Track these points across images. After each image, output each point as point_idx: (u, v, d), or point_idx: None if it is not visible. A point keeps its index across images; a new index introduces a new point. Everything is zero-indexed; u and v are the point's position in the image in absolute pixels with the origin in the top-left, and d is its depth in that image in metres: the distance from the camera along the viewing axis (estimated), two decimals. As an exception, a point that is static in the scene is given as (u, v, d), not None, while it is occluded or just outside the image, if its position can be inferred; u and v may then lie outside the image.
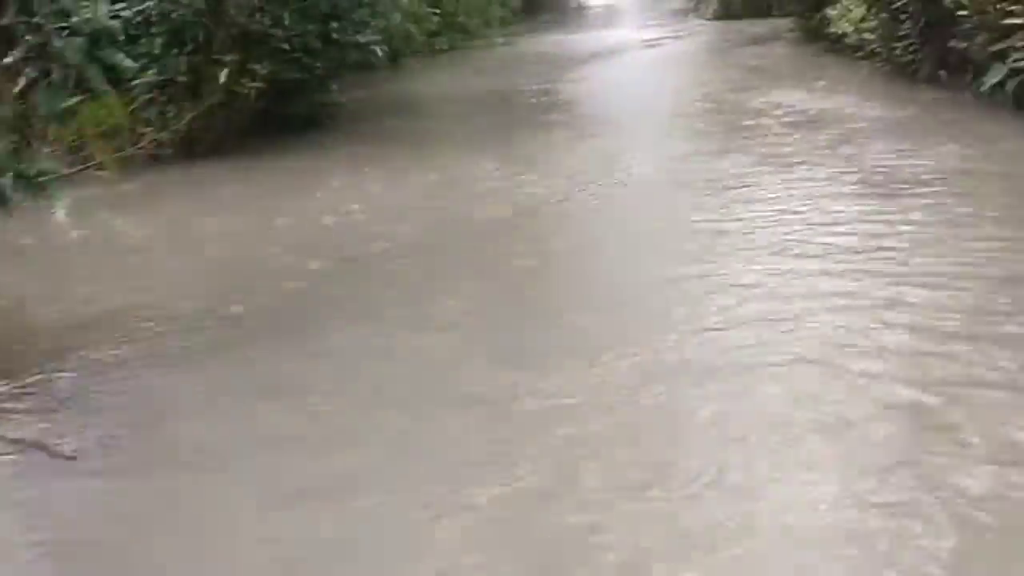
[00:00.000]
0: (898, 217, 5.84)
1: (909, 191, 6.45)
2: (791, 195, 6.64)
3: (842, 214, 6.08)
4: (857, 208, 6.21)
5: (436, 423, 3.82)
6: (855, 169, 7.21)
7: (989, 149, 7.46)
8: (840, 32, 13.58)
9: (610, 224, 6.76)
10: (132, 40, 9.02)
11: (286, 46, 9.76)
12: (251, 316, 5.20)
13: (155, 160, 9.40)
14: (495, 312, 5.13)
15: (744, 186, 7.02)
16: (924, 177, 6.77)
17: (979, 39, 8.84)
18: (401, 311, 5.12)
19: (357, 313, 5.14)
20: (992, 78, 8.57)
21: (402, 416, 3.88)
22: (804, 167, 7.48)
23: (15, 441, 3.90)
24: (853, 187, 6.75)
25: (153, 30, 9.52)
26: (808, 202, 6.41)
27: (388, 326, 4.92)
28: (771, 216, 6.13)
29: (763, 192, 6.80)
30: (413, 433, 3.76)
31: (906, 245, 5.31)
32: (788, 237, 5.64)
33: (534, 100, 12.50)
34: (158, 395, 4.36)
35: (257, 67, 9.47)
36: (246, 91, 9.60)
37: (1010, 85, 8.36)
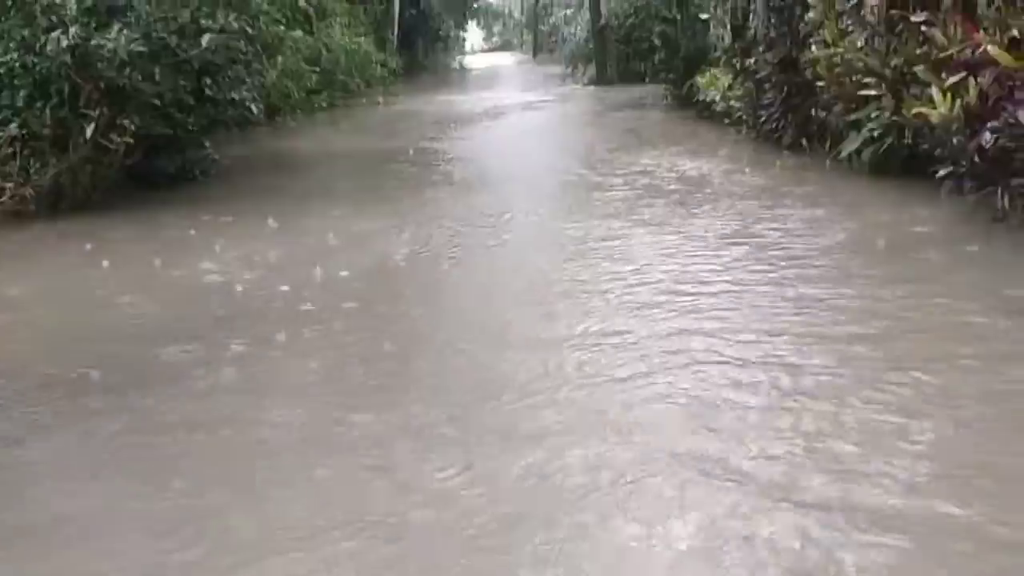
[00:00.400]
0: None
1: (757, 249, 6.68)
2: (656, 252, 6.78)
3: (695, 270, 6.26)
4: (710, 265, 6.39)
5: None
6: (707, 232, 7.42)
7: (842, 210, 7.80)
8: (709, 99, 14.14)
9: (471, 280, 6.76)
10: (-7, 92, 8.79)
11: (157, 101, 9.54)
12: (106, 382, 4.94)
13: (17, 216, 9.05)
14: (354, 368, 5.00)
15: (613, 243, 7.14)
16: (771, 237, 7.04)
17: (836, 109, 9.30)
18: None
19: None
20: (849, 146, 9.02)
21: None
22: (669, 226, 7.68)
23: None
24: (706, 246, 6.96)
25: (16, 82, 9.22)
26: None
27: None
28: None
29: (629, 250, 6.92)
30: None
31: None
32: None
33: (410, 159, 12.53)
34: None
35: (126, 122, 9.20)
36: (115, 146, 9.33)
37: (865, 153, 8.80)
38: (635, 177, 10.01)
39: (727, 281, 5.91)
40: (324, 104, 20.76)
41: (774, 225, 7.38)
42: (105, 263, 7.39)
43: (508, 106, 19.72)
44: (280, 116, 18.56)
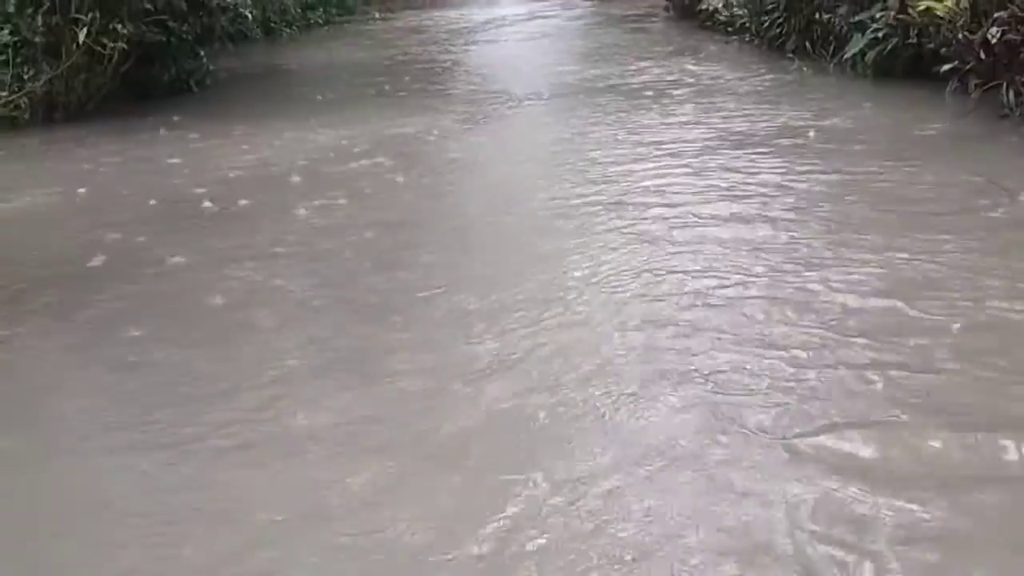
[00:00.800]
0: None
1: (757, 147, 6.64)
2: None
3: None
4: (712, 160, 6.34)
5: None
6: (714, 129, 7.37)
7: (843, 109, 7.73)
8: (711, 9, 13.91)
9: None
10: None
11: (150, 6, 9.37)
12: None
13: (12, 124, 8.98)
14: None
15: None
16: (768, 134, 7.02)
17: (841, 11, 9.13)
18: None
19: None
20: (852, 48, 8.87)
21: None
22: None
23: None
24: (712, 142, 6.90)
25: (7, -11, 9.07)
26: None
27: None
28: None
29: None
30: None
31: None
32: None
33: (403, 72, 12.37)
34: None
35: (119, 27, 9.05)
36: (108, 52, 9.20)
37: (870, 55, 8.66)
38: (632, 82, 9.92)
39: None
40: (320, 20, 20.46)
41: (764, 123, 7.35)
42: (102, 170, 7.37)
43: (510, 21, 19.41)
44: (276, 32, 18.33)
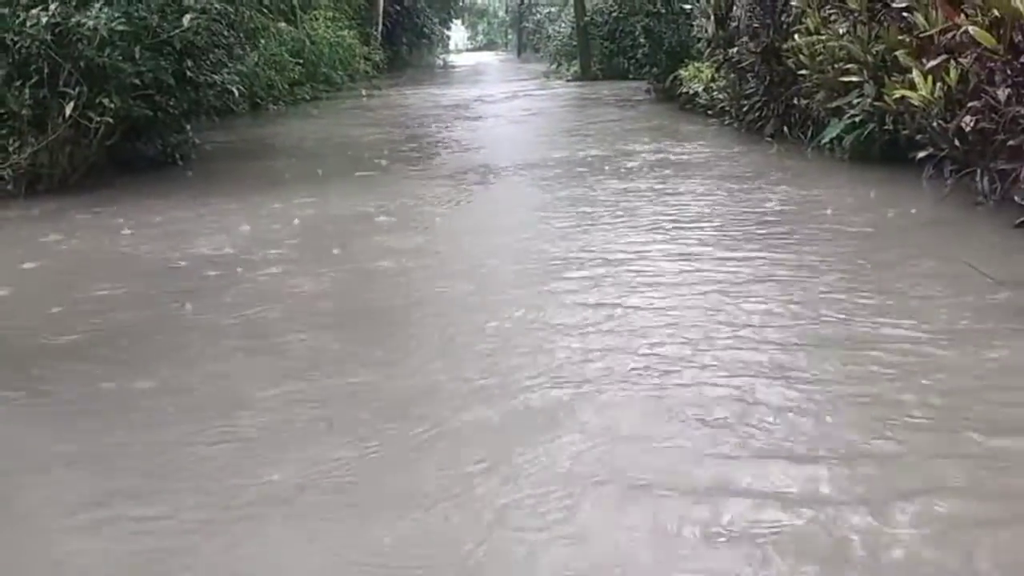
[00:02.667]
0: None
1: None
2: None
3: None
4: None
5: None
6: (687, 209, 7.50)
7: (814, 188, 7.90)
8: (692, 92, 14.18)
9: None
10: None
11: (137, 82, 9.45)
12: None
13: (-7, 196, 9.00)
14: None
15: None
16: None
17: (819, 97, 9.32)
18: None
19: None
20: (830, 133, 9.06)
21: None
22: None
23: None
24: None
25: (-6, 61, 9.16)
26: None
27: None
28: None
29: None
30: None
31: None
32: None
33: (389, 148, 12.51)
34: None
35: (106, 101, 9.12)
36: (94, 126, 9.26)
37: (847, 140, 8.83)
38: (618, 160, 10.06)
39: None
40: (307, 96, 20.74)
41: (744, 207, 7.43)
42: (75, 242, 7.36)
43: (491, 101, 19.71)
44: (263, 107, 18.55)
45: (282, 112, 18.61)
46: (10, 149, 9.12)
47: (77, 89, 9.07)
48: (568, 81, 25.02)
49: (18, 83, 9.04)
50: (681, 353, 4.19)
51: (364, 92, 22.64)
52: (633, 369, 4.03)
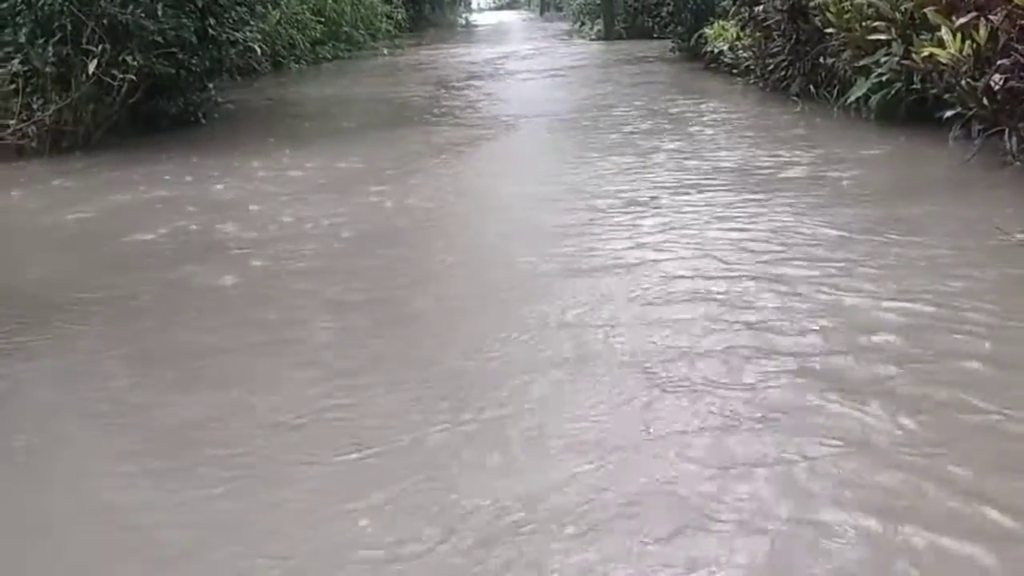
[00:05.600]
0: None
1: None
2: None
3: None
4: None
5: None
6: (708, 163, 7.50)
7: (838, 147, 7.84)
8: (717, 51, 14.03)
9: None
10: (-4, 28, 8.73)
11: (160, 39, 9.45)
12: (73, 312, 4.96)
13: (19, 153, 9.06)
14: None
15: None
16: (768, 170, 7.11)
17: (845, 56, 9.20)
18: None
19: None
20: (856, 92, 8.94)
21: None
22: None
23: None
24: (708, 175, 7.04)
25: (18, 19, 9.18)
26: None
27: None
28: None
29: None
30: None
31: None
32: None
33: (411, 106, 12.51)
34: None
35: (128, 59, 9.14)
36: (117, 84, 9.28)
37: (873, 99, 8.72)
38: (638, 121, 10.01)
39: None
40: (328, 55, 20.66)
41: (766, 164, 7.40)
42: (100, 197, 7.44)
43: (514, 59, 19.57)
44: (285, 66, 18.52)
45: (304, 71, 18.57)
46: (34, 107, 9.17)
47: (100, 47, 9.09)
48: (591, 40, 24.78)
49: (41, 41, 9.08)
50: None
51: (386, 51, 22.53)
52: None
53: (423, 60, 20.34)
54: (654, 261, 5.00)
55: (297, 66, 18.90)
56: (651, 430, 3.11)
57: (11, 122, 9.09)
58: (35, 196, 7.78)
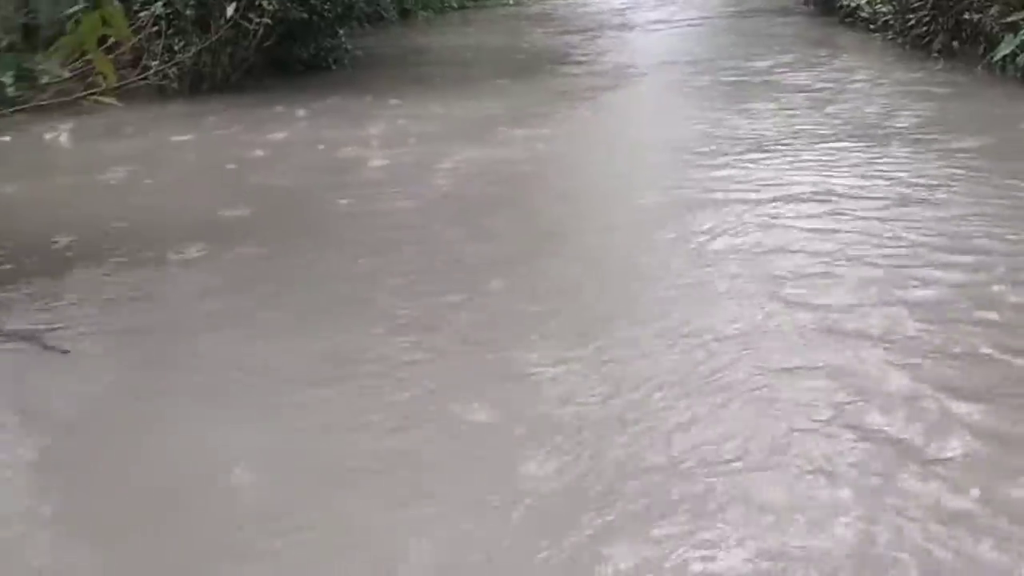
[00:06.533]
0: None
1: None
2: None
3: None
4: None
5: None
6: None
7: (980, 104, 7.55)
8: (853, 5, 13.52)
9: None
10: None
11: (294, -17, 9.69)
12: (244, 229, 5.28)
13: (161, 93, 9.42)
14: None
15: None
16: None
17: (992, 11, 8.78)
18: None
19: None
20: (1003, 50, 8.52)
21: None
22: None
23: (9, 333, 3.90)
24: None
25: (161, -38, 9.47)
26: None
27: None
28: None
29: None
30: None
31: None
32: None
33: (536, 56, 12.53)
34: (158, 299, 4.41)
35: (264, 3, 9.38)
36: (253, 27, 9.53)
37: (1021, 59, 8.31)
38: (766, 73, 9.81)
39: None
40: (455, 4, 20.66)
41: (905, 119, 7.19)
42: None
43: (643, 8, 19.26)
44: (412, 14, 18.61)
45: (432, 20, 18.65)
46: (175, 49, 9.48)
47: (239, -10, 9.33)
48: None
49: (183, -16, 9.36)
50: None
51: (512, 0, 22.40)
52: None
53: (548, 10, 20.18)
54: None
55: (424, 14, 18.97)
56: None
57: (154, 63, 9.42)
58: (194, 132, 8.15)
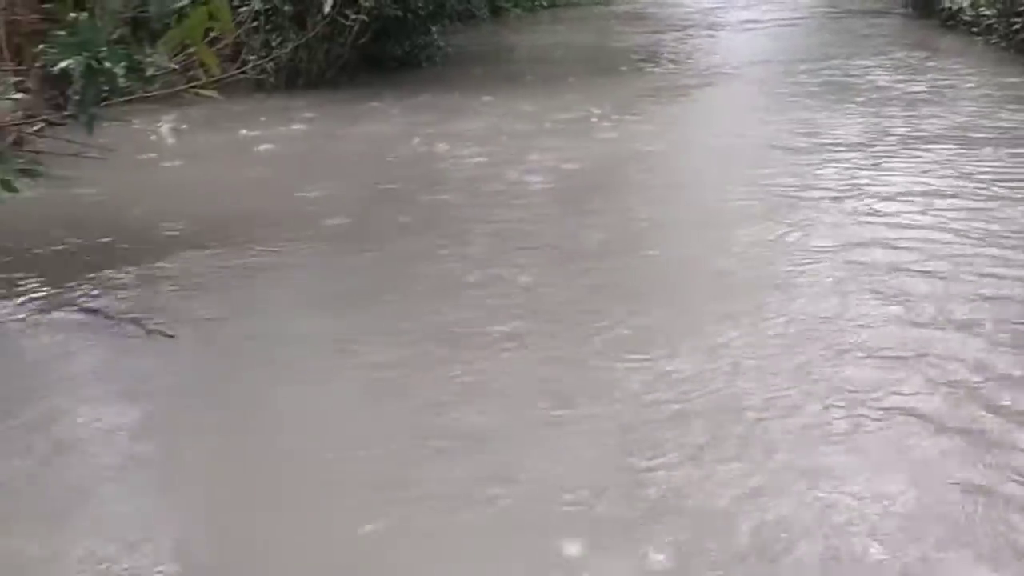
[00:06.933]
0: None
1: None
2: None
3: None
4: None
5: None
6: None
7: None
8: (955, 7, 13.19)
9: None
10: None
11: (389, -18, 9.83)
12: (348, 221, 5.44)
13: (259, 87, 9.65)
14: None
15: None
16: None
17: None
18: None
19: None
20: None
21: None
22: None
23: (116, 317, 4.06)
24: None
25: (259, -40, 9.69)
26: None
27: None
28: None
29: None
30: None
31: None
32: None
33: (626, 55, 12.51)
34: (260, 286, 4.56)
35: (361, 0, 9.55)
36: (348, 24, 9.70)
37: None
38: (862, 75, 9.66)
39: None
40: (545, 3, 20.68)
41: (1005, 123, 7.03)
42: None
43: (735, 8, 19.04)
44: (504, 13, 18.70)
45: (522, 18, 18.72)
46: (273, 44, 9.70)
47: (335, -13, 9.50)
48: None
49: (280, -20, 9.57)
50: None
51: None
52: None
53: (639, 9, 20.08)
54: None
55: (515, 11, 19.04)
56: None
57: (252, 58, 9.63)
58: (292, 125, 8.43)
